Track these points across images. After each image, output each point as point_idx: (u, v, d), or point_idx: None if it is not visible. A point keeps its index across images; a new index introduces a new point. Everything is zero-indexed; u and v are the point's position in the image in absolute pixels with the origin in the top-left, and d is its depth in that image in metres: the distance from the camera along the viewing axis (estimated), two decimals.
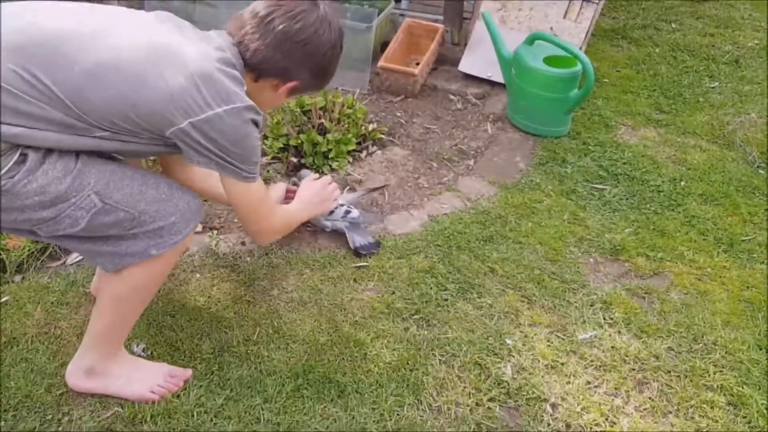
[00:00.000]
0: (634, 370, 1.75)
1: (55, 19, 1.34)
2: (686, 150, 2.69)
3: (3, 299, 1.86)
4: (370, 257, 2.05)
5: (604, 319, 1.89)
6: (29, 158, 1.30)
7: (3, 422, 1.54)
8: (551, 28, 2.88)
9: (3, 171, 1.28)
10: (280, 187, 2.07)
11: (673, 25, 3.71)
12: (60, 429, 1.54)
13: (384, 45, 3.09)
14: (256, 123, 1.43)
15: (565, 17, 2.89)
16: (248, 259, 2.04)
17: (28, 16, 1.33)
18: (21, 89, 1.26)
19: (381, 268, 2.02)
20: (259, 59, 1.44)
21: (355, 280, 1.97)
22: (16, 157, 1.29)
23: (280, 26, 1.43)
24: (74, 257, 2.00)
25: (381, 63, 2.90)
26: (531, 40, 2.64)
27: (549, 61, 2.60)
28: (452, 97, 2.97)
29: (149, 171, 1.51)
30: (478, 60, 2.98)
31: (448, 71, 3.10)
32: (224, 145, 1.39)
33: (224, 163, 1.43)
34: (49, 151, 1.33)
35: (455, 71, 3.06)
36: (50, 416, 1.57)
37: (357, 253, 2.04)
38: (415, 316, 1.86)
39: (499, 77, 2.85)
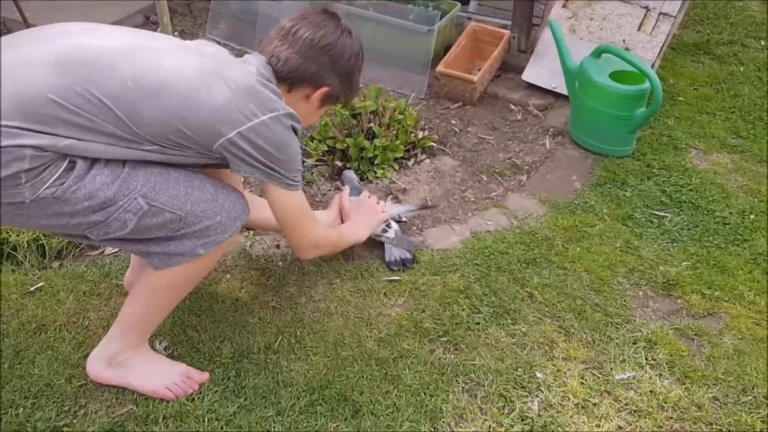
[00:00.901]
0: (671, 418, 1.66)
1: (106, 39, 1.45)
2: (761, 180, 2.54)
3: (38, 285, 1.93)
4: (403, 272, 2.02)
5: (646, 359, 1.80)
6: (77, 166, 1.38)
7: (21, 409, 1.60)
8: (623, 41, 2.77)
9: (53, 179, 1.35)
10: (333, 211, 2.11)
11: (763, 43, 3.51)
12: (75, 421, 1.58)
13: (447, 48, 3.04)
14: (295, 131, 1.54)
15: (639, 30, 2.78)
16: (280, 263, 2.05)
17: (80, 36, 1.44)
18: (75, 103, 1.34)
19: (413, 283, 1.99)
20: (290, 67, 1.57)
21: (385, 294, 1.95)
22: (65, 165, 1.36)
23: (306, 34, 1.57)
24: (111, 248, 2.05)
25: (439, 68, 2.86)
26: (598, 53, 2.55)
27: (616, 76, 2.50)
28: (512, 107, 2.90)
29: (195, 172, 1.56)
30: (544, 70, 2.90)
31: (511, 79, 3.03)
32: (269, 151, 1.49)
33: (269, 170, 1.52)
34: (96, 158, 1.40)
35: (519, 80, 2.99)
36: (67, 407, 1.62)
37: (389, 267, 2.02)
38: (443, 338, 1.82)
39: (564, 89, 2.77)
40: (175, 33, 3.30)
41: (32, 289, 1.92)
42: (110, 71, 1.38)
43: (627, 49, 2.75)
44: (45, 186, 1.35)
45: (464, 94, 2.88)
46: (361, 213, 2.07)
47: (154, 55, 1.45)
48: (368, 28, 3.02)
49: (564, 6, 2.86)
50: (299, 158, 1.58)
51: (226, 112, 1.43)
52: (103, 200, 1.41)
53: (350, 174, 2.29)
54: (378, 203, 2.13)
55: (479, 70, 2.98)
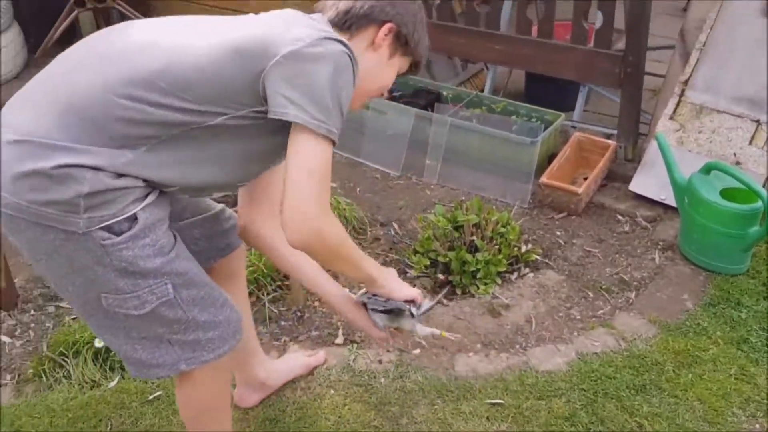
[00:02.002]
0: None
1: (153, 31, 1.45)
2: None
3: (157, 393, 2.10)
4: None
5: None
6: (137, 224, 1.36)
7: None
8: (734, 154, 2.77)
9: (110, 222, 1.34)
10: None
11: None
12: None
13: (552, 157, 3.13)
14: (352, 61, 1.35)
15: (750, 143, 2.77)
16: (382, 380, 2.13)
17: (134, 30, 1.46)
18: (134, 116, 1.33)
19: (517, 407, 2.01)
20: (346, 10, 1.47)
21: (487, 418, 1.99)
22: (126, 215, 1.35)
23: None
24: None
25: (543, 179, 2.94)
26: (707, 169, 2.56)
27: (727, 193, 2.50)
28: (619, 217, 2.93)
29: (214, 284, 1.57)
30: (652, 180, 2.93)
31: (617, 189, 3.07)
32: (312, 73, 1.31)
33: (301, 103, 1.30)
34: (154, 226, 1.39)
35: (626, 189, 3.02)
36: None
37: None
38: None
39: (673, 201, 2.78)
40: None
41: (151, 398, 2.08)
42: (151, 49, 1.37)
43: (738, 163, 2.75)
44: (96, 226, 1.33)
45: (569, 205, 2.94)
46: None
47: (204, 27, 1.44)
48: (472, 137, 3.16)
49: (671, 118, 2.91)
50: (343, 104, 1.35)
51: (282, 38, 1.34)
52: (139, 270, 1.39)
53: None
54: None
55: (584, 179, 3.04)
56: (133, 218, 1.36)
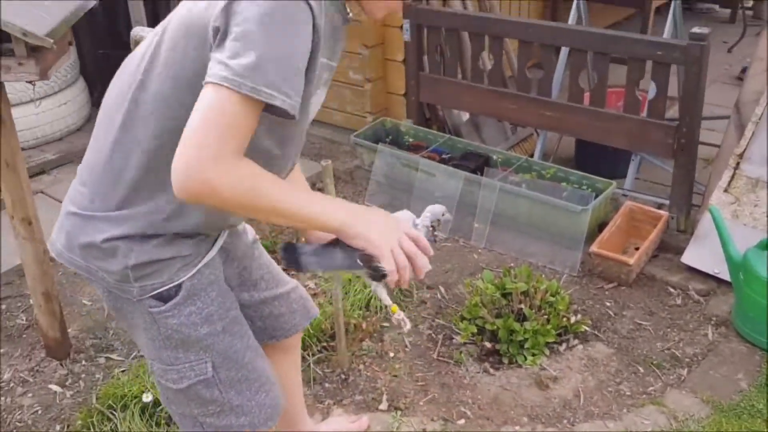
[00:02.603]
0: None
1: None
2: None
3: None
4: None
5: None
6: (182, 291, 1.38)
7: None
8: None
9: (156, 291, 1.38)
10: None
11: None
12: None
13: (603, 225, 3.12)
14: (311, 9, 1.14)
15: None
16: None
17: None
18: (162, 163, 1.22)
19: None
20: None
21: None
22: (175, 283, 1.38)
23: None
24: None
25: (593, 248, 2.93)
26: (764, 245, 2.52)
27: None
28: (671, 290, 2.89)
29: (262, 359, 1.54)
30: (706, 253, 2.89)
31: (669, 260, 3.03)
32: (254, 16, 1.10)
33: (230, 52, 1.11)
34: (202, 292, 1.41)
35: (678, 261, 2.98)
36: None
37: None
38: None
39: (727, 275, 2.73)
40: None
41: None
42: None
43: None
44: (148, 294, 1.37)
45: (619, 275, 2.91)
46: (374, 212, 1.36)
47: None
48: (521, 203, 3.17)
49: (726, 191, 2.88)
50: (291, 59, 1.14)
51: None
52: (184, 339, 1.41)
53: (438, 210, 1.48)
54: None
55: (636, 249, 3.01)
56: (180, 286, 1.39)
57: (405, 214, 1.42)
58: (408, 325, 1.53)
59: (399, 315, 1.52)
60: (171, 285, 1.38)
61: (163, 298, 1.38)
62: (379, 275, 1.29)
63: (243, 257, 1.64)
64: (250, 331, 1.55)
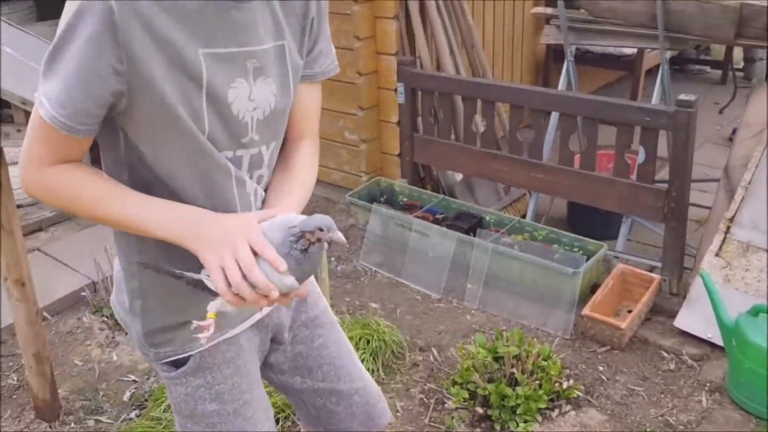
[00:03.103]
0: None
1: None
2: None
3: None
4: None
5: None
6: (190, 362, 1.34)
7: None
8: None
9: (175, 357, 1.34)
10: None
11: None
12: None
13: (595, 287, 3.12)
14: (113, 23, 1.04)
15: None
16: None
17: None
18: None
19: None
20: None
21: None
22: (187, 354, 1.34)
23: None
24: None
25: (585, 311, 2.92)
26: (756, 311, 2.52)
27: None
28: (664, 354, 2.86)
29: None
30: (698, 317, 2.88)
31: (662, 323, 3.02)
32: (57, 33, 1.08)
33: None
34: (214, 367, 1.35)
35: (671, 324, 2.97)
36: None
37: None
38: None
39: (720, 340, 2.71)
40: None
41: None
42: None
43: None
44: (161, 360, 1.36)
45: (612, 339, 2.89)
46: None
47: None
48: (514, 264, 3.18)
49: (717, 255, 2.89)
50: (80, 76, 1.06)
51: None
52: (191, 412, 1.37)
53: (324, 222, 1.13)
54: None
55: (628, 312, 3.00)
56: (189, 356, 1.34)
57: (281, 221, 1.14)
58: (206, 334, 1.17)
59: (205, 323, 1.17)
60: (182, 354, 1.34)
61: (176, 364, 1.35)
62: (213, 293, 1.13)
63: (296, 341, 1.51)
64: (270, 419, 1.46)
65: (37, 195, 1.19)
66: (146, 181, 1.21)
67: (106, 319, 3.18)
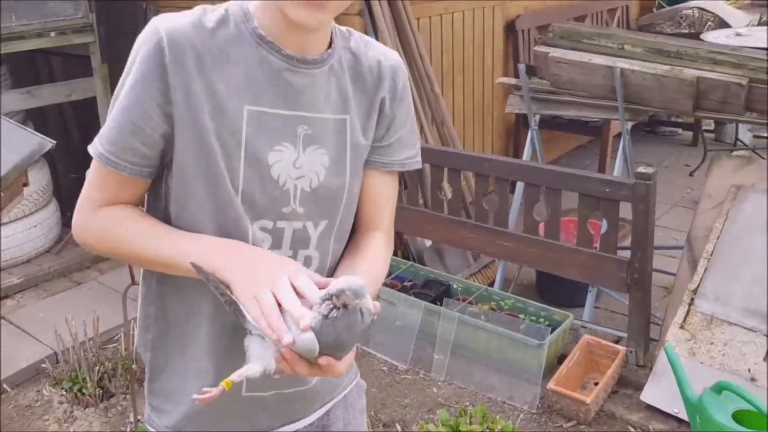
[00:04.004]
0: None
1: None
2: None
3: None
4: None
5: None
6: None
7: None
8: (749, 370, 2.66)
9: None
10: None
11: None
12: None
13: (562, 357, 3.04)
14: (157, 32, 1.05)
15: (765, 359, 2.66)
16: None
17: None
18: None
19: None
20: None
21: None
22: None
23: None
24: None
25: (550, 385, 2.83)
26: (719, 389, 2.44)
27: (740, 415, 2.36)
28: (631, 429, 2.78)
29: None
30: (665, 391, 2.80)
31: (629, 396, 2.93)
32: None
33: None
34: None
35: (637, 398, 2.88)
36: None
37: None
38: None
39: (686, 415, 2.63)
40: None
41: None
42: None
43: (753, 379, 2.62)
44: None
45: (578, 414, 2.80)
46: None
47: None
48: (480, 335, 3.10)
49: (681, 327, 2.83)
50: (126, 101, 1.07)
51: None
52: None
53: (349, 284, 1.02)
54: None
55: (595, 384, 2.92)
56: None
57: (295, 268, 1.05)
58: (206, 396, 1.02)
59: (215, 389, 1.02)
60: None
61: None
62: (242, 321, 1.02)
63: None
64: None
65: (82, 239, 1.16)
66: None
67: (65, 392, 3.06)
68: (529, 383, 2.97)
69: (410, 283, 3.56)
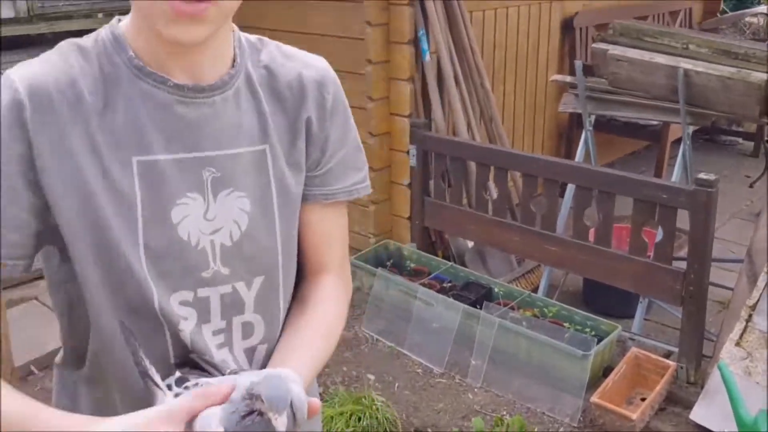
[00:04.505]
0: None
1: None
2: None
3: None
4: None
5: None
6: None
7: None
8: None
9: None
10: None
11: None
12: None
13: (608, 369, 2.94)
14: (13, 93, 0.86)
15: None
16: None
17: None
18: None
19: None
20: None
21: None
22: None
23: None
24: None
25: (594, 399, 2.74)
26: None
27: None
28: None
29: None
30: (717, 411, 2.68)
31: (678, 415, 2.82)
32: None
33: None
34: None
35: (686, 416, 2.77)
36: None
37: None
38: None
39: None
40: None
41: None
42: None
43: None
44: None
45: (622, 430, 2.70)
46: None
47: None
48: (521, 342, 3.02)
49: (737, 344, 2.71)
50: None
51: None
52: None
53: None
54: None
55: (642, 399, 2.82)
56: None
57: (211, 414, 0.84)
58: None
59: None
60: None
61: None
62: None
63: None
64: None
65: None
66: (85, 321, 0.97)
67: None
68: (571, 395, 2.88)
69: (450, 284, 3.49)
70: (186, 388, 0.87)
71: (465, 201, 3.62)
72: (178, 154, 0.93)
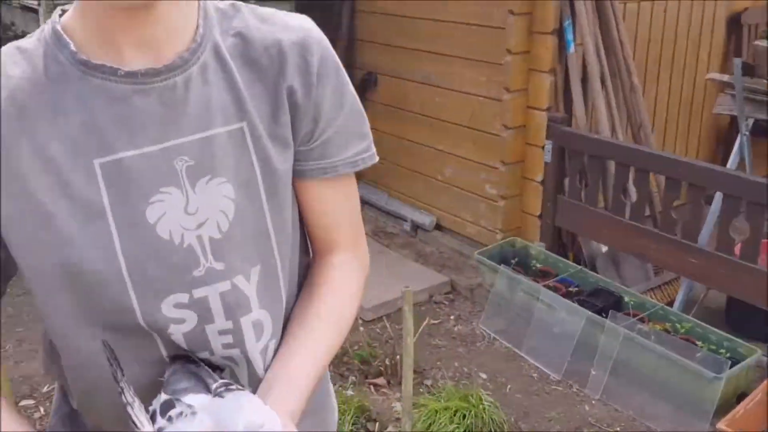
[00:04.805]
0: None
1: None
2: None
3: None
4: None
5: None
6: None
7: None
8: None
9: None
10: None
11: None
12: None
13: (742, 396, 2.72)
14: None
15: None
16: None
17: None
18: None
19: None
20: None
21: None
22: None
23: None
24: None
25: (721, 425, 2.52)
26: None
27: None
28: None
29: None
30: None
31: None
32: None
33: None
34: None
35: None
36: None
37: None
38: None
39: None
40: (451, 317, 3.50)
41: None
42: None
43: None
44: None
45: None
46: None
47: None
48: (647, 357, 2.85)
49: None
50: None
51: None
52: None
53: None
54: None
55: None
56: None
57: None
58: None
59: None
60: None
61: None
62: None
63: None
64: None
65: None
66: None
67: None
68: (697, 419, 2.68)
69: (576, 288, 3.36)
70: (169, 418, 0.81)
71: (601, 202, 3.47)
72: (144, 148, 0.84)
